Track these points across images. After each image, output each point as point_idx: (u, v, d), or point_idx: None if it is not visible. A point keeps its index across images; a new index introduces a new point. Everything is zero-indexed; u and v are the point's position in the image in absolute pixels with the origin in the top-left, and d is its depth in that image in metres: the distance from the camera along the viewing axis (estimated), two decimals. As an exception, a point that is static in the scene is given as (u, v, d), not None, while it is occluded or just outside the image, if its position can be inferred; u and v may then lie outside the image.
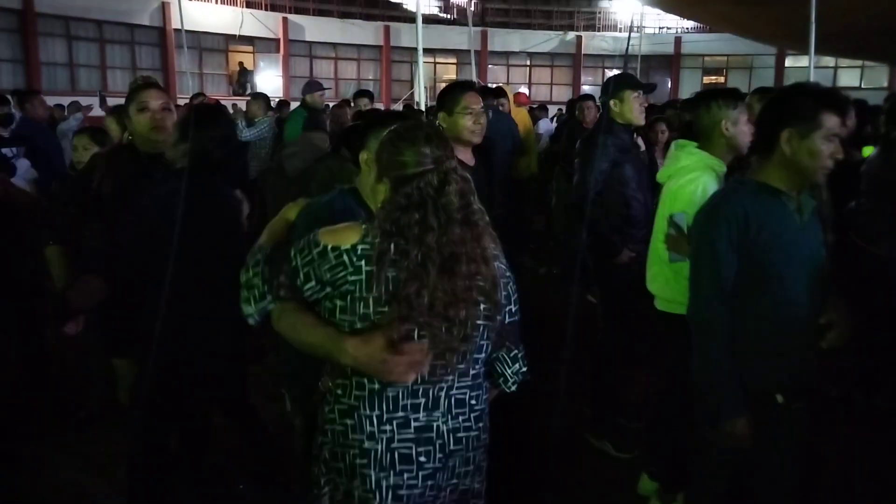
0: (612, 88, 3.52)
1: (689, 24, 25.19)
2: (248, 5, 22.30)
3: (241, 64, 22.30)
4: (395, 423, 1.60)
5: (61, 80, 18.85)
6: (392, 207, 1.53)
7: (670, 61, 26.83)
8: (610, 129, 3.47)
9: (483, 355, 1.70)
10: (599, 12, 27.01)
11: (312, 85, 6.65)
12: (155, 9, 20.34)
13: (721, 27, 20.10)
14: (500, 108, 5.63)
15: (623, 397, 3.78)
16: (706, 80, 27.37)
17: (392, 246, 1.50)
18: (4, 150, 6.03)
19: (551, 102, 19.83)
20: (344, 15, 24.25)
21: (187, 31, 16.49)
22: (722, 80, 27.21)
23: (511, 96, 6.33)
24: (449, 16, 25.40)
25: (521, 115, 6.47)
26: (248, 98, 8.17)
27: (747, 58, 25.89)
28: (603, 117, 3.62)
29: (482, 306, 1.61)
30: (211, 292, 2.36)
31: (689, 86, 25.33)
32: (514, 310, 1.78)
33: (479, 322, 1.61)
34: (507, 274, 1.74)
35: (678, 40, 26.56)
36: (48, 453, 3.42)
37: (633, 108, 3.50)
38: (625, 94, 3.49)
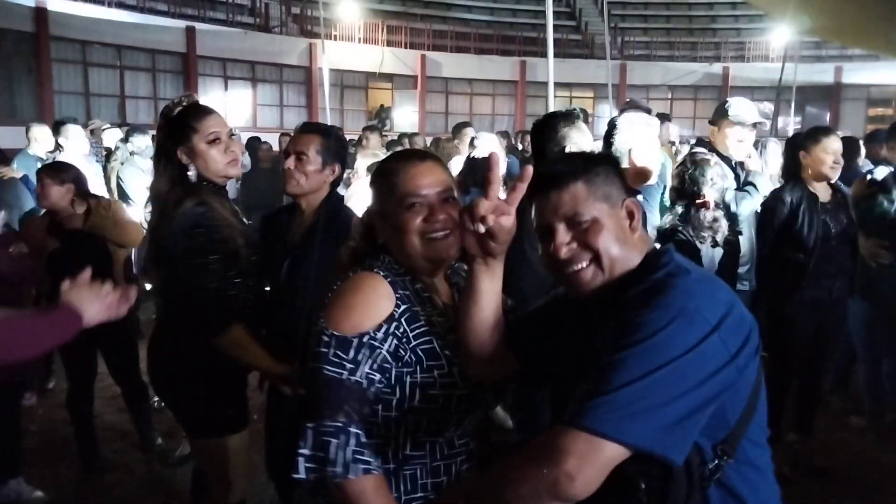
0: (714, 114, 3.45)
1: (851, 51, 23.19)
2: (389, 44, 23.02)
3: (382, 106, 22.91)
4: None
5: (216, 116, 20.19)
6: None
7: (829, 92, 24.79)
8: None
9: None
10: (749, 41, 25.49)
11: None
12: (302, 50, 21.46)
13: (891, 54, 18.26)
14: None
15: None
16: (871, 111, 24.99)
17: None
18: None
19: (694, 137, 18.80)
20: (480, 51, 24.46)
21: (330, 70, 17.18)
22: (889, 111, 24.75)
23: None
24: (587, 50, 24.96)
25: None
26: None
27: (920, 88, 23.42)
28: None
29: None
30: None
31: (851, 118, 23.25)
32: None
33: None
34: None
35: (839, 70, 24.47)
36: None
37: (728, 140, 3.38)
38: (722, 123, 3.35)
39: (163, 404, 4.17)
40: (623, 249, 1.24)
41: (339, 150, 2.42)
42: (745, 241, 3.40)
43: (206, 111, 2.23)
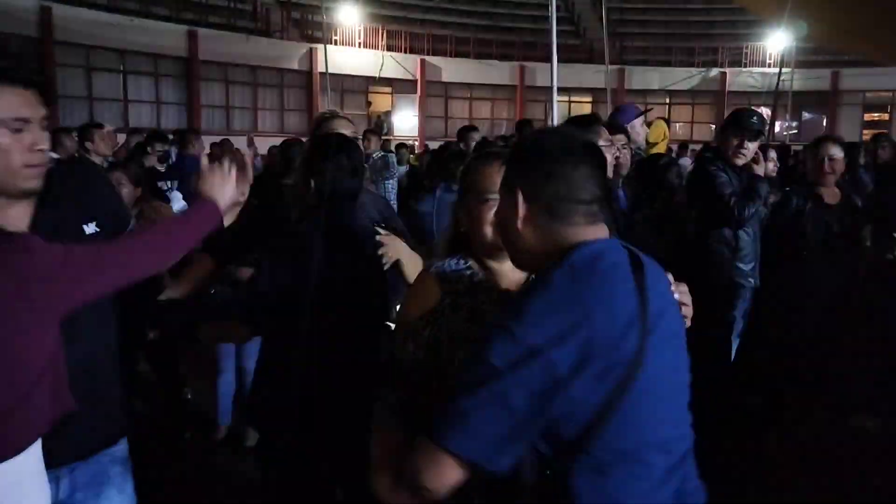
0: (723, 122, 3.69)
1: (848, 57, 23.37)
2: (389, 48, 23.17)
3: (380, 115, 22.97)
4: None
5: (218, 121, 20.35)
6: None
7: (826, 98, 24.97)
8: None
9: None
10: (746, 47, 25.67)
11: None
12: (303, 54, 21.60)
13: (887, 60, 18.43)
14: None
15: None
16: (867, 117, 25.20)
17: None
18: (160, 183, 6.49)
19: (692, 141, 18.96)
20: (480, 56, 24.62)
21: (331, 75, 17.30)
22: (885, 116, 24.98)
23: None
24: (585, 55, 25.12)
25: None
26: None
27: (916, 93, 23.63)
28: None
29: None
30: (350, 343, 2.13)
31: (848, 124, 23.44)
32: None
33: None
34: None
35: (835, 75, 24.64)
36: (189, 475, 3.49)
37: (729, 148, 3.50)
38: (728, 131, 3.51)
39: (189, 395, 4.34)
40: (516, 241, 1.29)
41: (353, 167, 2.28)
42: (750, 240, 3.53)
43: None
